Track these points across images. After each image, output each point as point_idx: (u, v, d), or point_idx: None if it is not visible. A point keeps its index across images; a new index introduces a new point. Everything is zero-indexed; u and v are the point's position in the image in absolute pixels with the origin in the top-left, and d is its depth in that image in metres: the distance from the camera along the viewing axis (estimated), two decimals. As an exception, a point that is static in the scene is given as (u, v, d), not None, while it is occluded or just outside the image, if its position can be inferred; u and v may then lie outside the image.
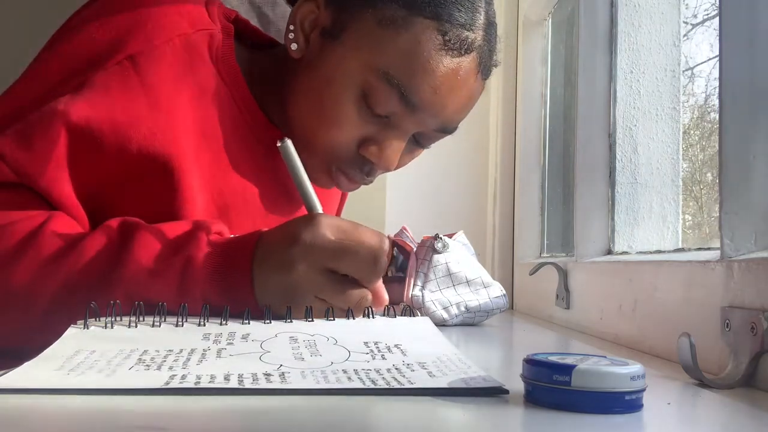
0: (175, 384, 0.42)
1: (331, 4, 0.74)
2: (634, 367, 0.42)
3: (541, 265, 1.15)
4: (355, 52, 0.72)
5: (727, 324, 0.55)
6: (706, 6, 1.06)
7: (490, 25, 0.76)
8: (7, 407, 0.39)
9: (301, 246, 0.60)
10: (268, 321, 0.59)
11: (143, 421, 0.37)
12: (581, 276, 1.03)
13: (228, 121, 0.75)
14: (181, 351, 0.50)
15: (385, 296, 0.66)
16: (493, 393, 0.44)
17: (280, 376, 0.45)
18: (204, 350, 0.51)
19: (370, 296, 0.64)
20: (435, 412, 0.41)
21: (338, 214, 1.09)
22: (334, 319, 0.61)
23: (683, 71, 1.02)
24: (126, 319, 0.57)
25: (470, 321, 0.95)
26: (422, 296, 0.94)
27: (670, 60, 1.02)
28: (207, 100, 0.73)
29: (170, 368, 0.46)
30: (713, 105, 1.03)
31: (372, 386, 0.43)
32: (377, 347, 0.54)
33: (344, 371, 0.47)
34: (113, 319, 0.56)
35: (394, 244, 1.07)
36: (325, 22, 0.74)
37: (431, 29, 0.71)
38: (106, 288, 0.60)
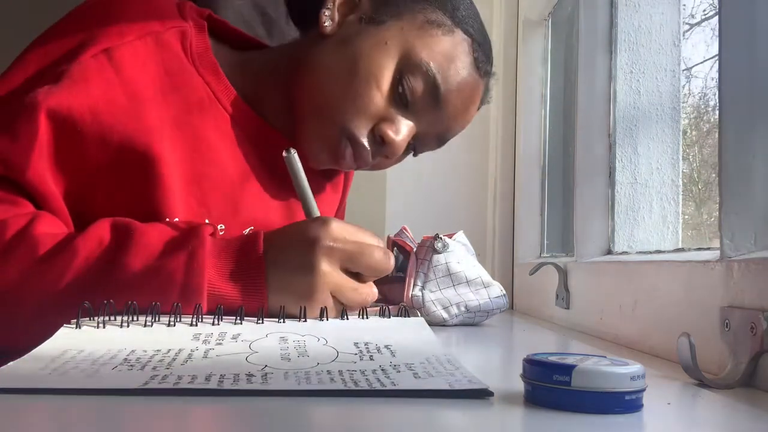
0: (153, 385, 0.42)
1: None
2: (634, 367, 0.42)
3: (541, 265, 1.15)
4: (402, 37, 0.78)
5: (727, 324, 0.55)
6: (703, 7, 1.06)
7: (492, 67, 0.86)
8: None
9: (322, 248, 0.63)
10: (260, 321, 0.59)
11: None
12: (581, 276, 1.03)
13: (206, 114, 0.77)
14: (168, 351, 0.50)
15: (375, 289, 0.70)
16: (477, 395, 0.43)
17: (262, 377, 0.44)
18: (192, 350, 0.50)
19: (376, 291, 0.68)
20: (434, 412, 0.41)
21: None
22: (327, 320, 0.61)
23: (681, 71, 1.02)
24: (119, 318, 0.57)
25: (470, 321, 0.95)
26: (422, 296, 0.94)
27: (670, 60, 1.02)
28: (182, 94, 0.75)
29: (154, 368, 0.45)
30: (712, 105, 1.03)
31: (354, 388, 0.43)
32: (367, 348, 0.53)
33: (328, 372, 0.46)
34: (105, 319, 0.56)
35: (394, 244, 1.07)
36: (366, 10, 0.81)
37: (467, 45, 0.81)
38: (101, 290, 0.60)
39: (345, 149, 0.79)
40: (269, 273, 0.63)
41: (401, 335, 0.58)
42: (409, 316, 0.66)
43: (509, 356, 0.75)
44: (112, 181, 0.70)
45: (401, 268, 1.04)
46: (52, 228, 0.64)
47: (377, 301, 1.04)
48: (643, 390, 0.42)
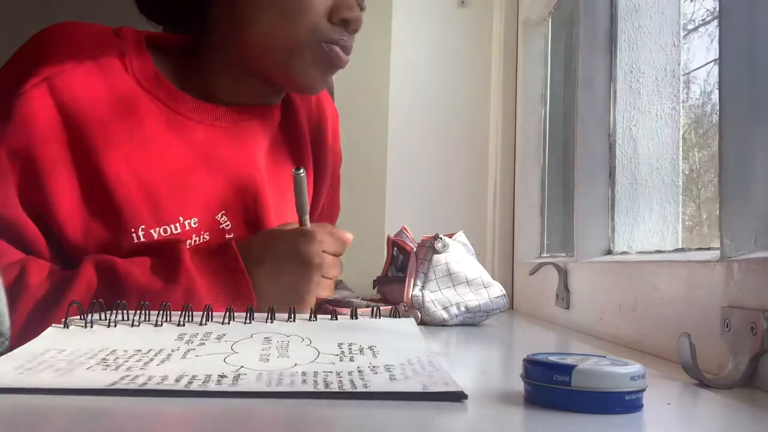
0: (122, 385, 0.42)
1: None
2: (634, 367, 0.42)
3: (541, 265, 1.15)
4: None
5: (727, 324, 0.55)
6: (702, 12, 1.06)
7: None
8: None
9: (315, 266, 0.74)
10: (249, 321, 0.59)
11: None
12: (581, 276, 1.03)
13: (155, 119, 0.79)
14: (149, 351, 0.50)
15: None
16: (451, 398, 0.43)
17: (234, 378, 0.44)
18: (172, 350, 0.50)
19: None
20: (434, 413, 0.41)
21: (326, 164, 1.07)
22: (316, 320, 0.62)
23: (681, 74, 1.02)
24: (107, 318, 0.57)
25: (470, 321, 0.95)
26: (422, 296, 0.94)
27: (670, 60, 1.02)
28: (128, 109, 0.77)
29: (128, 369, 0.45)
30: (712, 107, 1.03)
31: (323, 389, 0.42)
32: (350, 349, 0.53)
33: (303, 374, 0.45)
34: (94, 319, 0.56)
35: (394, 244, 1.07)
36: None
37: None
38: None
39: (332, 50, 0.82)
40: (256, 285, 0.72)
41: (388, 336, 0.57)
42: (400, 317, 0.65)
43: (509, 356, 0.75)
44: (77, 201, 0.72)
45: (401, 268, 1.04)
46: (42, 273, 0.67)
47: (376, 301, 1.04)
48: (643, 390, 0.42)
